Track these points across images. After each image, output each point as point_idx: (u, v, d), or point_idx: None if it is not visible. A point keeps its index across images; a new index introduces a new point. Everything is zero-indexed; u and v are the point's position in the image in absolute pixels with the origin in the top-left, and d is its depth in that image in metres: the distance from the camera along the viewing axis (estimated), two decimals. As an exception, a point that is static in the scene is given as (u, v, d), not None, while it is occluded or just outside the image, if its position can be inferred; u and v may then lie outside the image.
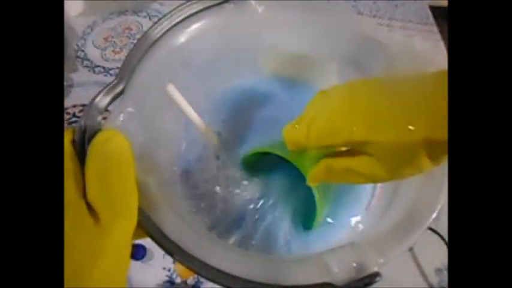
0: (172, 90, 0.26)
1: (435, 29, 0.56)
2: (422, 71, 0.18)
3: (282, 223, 0.31)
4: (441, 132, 0.16)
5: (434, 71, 0.18)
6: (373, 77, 0.21)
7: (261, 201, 0.32)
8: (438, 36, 0.55)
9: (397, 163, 0.18)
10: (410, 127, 0.17)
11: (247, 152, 0.31)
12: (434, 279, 0.35)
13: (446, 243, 0.35)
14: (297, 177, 0.27)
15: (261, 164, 0.33)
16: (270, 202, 0.32)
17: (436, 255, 0.35)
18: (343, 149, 0.23)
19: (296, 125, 0.22)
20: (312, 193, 0.26)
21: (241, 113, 0.35)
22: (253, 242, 0.30)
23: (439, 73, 0.17)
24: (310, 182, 0.24)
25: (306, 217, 0.31)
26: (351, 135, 0.19)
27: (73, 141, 0.21)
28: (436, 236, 0.35)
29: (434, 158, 0.17)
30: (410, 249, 0.36)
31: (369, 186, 0.32)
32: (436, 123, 0.16)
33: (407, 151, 0.17)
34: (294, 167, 0.26)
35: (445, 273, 0.35)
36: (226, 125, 0.34)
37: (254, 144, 0.32)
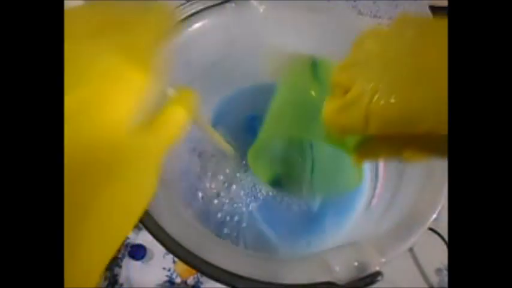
0: None
1: (435, 29, 0.56)
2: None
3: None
4: None
5: None
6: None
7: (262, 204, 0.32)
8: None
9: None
10: None
11: (255, 143, 0.29)
12: (434, 279, 0.35)
13: (446, 243, 0.35)
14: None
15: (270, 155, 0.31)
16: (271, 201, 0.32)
17: (436, 255, 0.35)
18: None
19: (346, 109, 0.16)
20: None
21: (242, 115, 0.35)
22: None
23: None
24: (357, 162, 0.19)
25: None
26: (434, 125, 0.14)
27: None
28: (436, 236, 0.35)
29: None
30: (410, 249, 0.36)
31: (369, 186, 0.32)
32: None
33: None
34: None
35: (445, 273, 0.35)
36: (228, 127, 0.34)
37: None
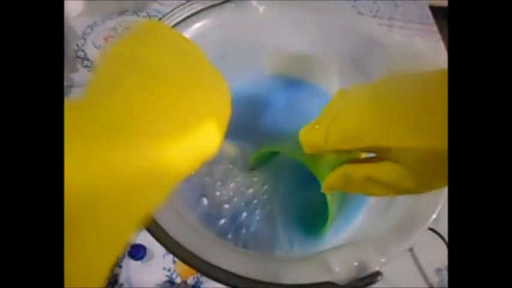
0: None
1: (435, 29, 0.56)
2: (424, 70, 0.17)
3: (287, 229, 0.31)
4: None
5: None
6: (395, 73, 0.19)
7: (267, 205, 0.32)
8: (438, 36, 0.55)
9: (429, 173, 0.16)
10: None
11: (256, 151, 0.30)
12: (434, 279, 0.35)
13: (446, 243, 0.35)
14: (305, 177, 0.26)
15: (267, 162, 0.32)
16: (276, 204, 0.32)
17: (436, 255, 0.35)
18: (365, 155, 0.21)
19: (316, 126, 0.20)
20: (319, 196, 0.25)
21: (242, 115, 0.35)
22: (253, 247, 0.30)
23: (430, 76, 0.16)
24: (325, 190, 0.22)
25: (313, 221, 0.30)
26: (376, 140, 0.17)
27: None
28: (436, 236, 0.35)
29: None
30: (410, 249, 0.36)
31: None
32: None
33: (443, 159, 0.15)
34: (302, 167, 0.25)
35: (445, 273, 0.35)
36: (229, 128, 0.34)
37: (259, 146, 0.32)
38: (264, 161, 0.32)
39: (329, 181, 0.21)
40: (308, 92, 0.35)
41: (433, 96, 0.16)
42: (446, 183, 0.16)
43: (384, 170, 0.17)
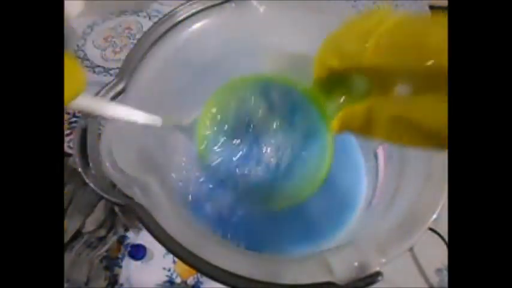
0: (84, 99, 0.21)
1: (435, 29, 0.56)
2: None
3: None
4: None
5: None
6: None
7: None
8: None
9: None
10: None
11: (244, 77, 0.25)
12: (434, 279, 0.35)
13: (446, 243, 0.35)
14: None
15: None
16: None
17: (436, 255, 0.35)
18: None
19: (351, 31, 0.15)
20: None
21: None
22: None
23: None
24: (336, 128, 0.17)
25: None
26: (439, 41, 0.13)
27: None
28: (436, 236, 0.35)
29: None
30: (411, 249, 0.36)
31: (369, 186, 0.32)
32: None
33: None
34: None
35: (445, 273, 0.35)
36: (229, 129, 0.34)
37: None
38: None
39: (346, 117, 0.17)
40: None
41: None
42: None
43: (420, 105, 0.14)
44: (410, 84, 0.14)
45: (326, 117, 0.19)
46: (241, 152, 0.28)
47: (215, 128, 0.27)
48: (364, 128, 0.16)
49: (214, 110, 0.26)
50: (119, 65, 0.26)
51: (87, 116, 0.23)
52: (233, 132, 0.26)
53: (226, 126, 0.27)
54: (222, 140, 0.27)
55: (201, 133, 0.26)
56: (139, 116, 0.23)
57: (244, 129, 0.27)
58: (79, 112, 0.45)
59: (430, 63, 0.13)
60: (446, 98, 0.13)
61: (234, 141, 0.27)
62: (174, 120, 0.27)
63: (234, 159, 0.27)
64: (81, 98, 0.20)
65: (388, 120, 0.15)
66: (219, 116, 0.26)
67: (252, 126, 0.27)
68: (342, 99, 0.18)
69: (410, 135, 0.15)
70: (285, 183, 0.27)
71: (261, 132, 0.27)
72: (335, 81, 0.18)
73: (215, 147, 0.27)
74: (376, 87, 0.16)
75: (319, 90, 0.19)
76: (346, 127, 0.17)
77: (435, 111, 0.14)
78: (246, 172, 0.27)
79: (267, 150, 0.27)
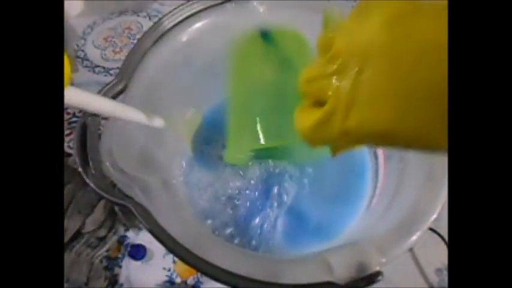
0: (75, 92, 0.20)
1: (435, 29, 0.56)
2: None
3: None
4: None
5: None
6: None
7: (262, 203, 0.32)
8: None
9: None
10: None
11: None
12: (434, 279, 0.35)
13: (446, 243, 0.35)
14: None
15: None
16: (271, 200, 0.32)
17: (436, 255, 0.35)
18: None
19: (321, 122, 0.15)
20: None
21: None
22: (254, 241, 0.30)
23: None
24: (335, 154, 0.17)
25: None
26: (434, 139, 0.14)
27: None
28: (436, 236, 0.35)
29: None
30: (411, 249, 0.36)
31: (369, 186, 0.32)
32: None
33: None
34: None
35: (445, 273, 0.35)
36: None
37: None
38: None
39: (336, 150, 0.17)
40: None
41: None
42: None
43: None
44: None
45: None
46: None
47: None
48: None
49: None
50: (119, 65, 0.26)
51: (93, 115, 0.23)
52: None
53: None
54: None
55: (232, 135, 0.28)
56: (142, 117, 0.24)
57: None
58: (79, 112, 0.45)
59: None
60: None
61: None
62: (173, 122, 0.27)
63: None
64: (89, 97, 0.20)
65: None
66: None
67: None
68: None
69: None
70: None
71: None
72: None
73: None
74: None
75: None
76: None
77: None
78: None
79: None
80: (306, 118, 0.16)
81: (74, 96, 0.20)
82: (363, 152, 0.35)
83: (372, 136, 0.14)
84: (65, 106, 0.18)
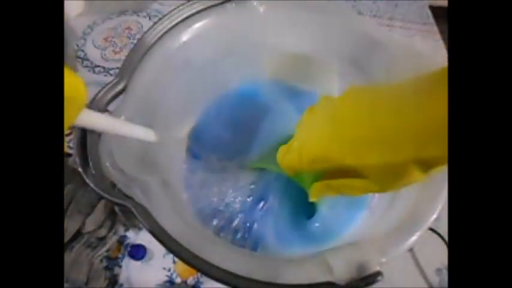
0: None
1: (435, 29, 0.56)
2: (415, 74, 0.18)
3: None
4: (431, 149, 0.16)
5: (416, 77, 0.18)
6: (359, 87, 0.21)
7: (261, 203, 0.32)
8: (438, 36, 0.55)
9: (388, 180, 0.19)
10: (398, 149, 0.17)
11: (247, 164, 0.32)
12: (434, 279, 0.35)
13: (446, 243, 0.35)
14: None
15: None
16: (270, 201, 0.32)
17: (436, 255, 0.35)
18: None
19: (288, 152, 0.23)
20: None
21: (242, 118, 0.35)
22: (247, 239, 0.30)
23: (429, 77, 0.17)
24: (312, 198, 0.24)
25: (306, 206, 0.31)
26: (341, 161, 0.20)
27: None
28: (436, 236, 0.35)
29: (425, 171, 0.17)
30: (411, 249, 0.36)
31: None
32: (424, 141, 0.16)
33: (397, 170, 0.17)
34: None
35: (445, 273, 0.35)
36: (228, 130, 0.34)
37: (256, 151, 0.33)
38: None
39: (313, 192, 0.24)
40: (307, 97, 0.35)
41: (384, 114, 0.18)
42: (407, 183, 0.18)
43: (353, 181, 0.20)
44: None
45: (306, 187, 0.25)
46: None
47: None
48: (326, 194, 0.23)
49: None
50: (119, 65, 0.26)
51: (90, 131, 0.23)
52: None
53: None
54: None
55: None
56: (138, 132, 0.25)
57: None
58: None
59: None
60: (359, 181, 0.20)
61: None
62: (169, 136, 0.28)
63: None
64: (84, 115, 0.20)
65: (338, 187, 0.22)
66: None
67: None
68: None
69: (352, 192, 0.21)
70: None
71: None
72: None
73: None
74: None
75: (296, 177, 0.26)
76: (316, 196, 0.24)
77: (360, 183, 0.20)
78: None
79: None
80: (281, 150, 0.25)
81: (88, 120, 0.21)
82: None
83: (314, 158, 0.22)
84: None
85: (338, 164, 0.20)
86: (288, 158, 0.24)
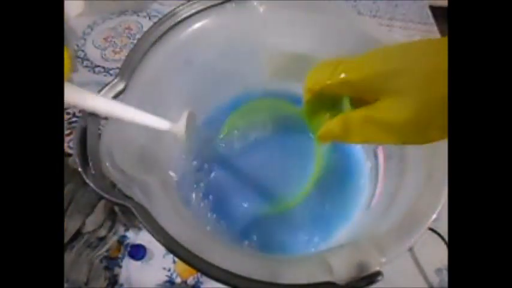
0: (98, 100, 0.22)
1: (435, 29, 0.56)
2: None
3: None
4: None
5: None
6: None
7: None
8: (438, 36, 0.55)
9: (427, 101, 0.16)
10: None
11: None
12: (434, 279, 0.35)
13: (446, 243, 0.35)
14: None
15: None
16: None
17: (436, 255, 0.35)
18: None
19: (324, 65, 0.20)
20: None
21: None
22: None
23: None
24: (321, 139, 0.22)
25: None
26: (383, 64, 0.17)
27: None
28: (436, 236, 0.35)
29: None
30: (410, 249, 0.36)
31: (369, 186, 0.32)
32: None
33: (440, 86, 0.15)
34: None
35: (445, 273, 0.35)
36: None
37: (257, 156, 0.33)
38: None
39: (327, 128, 0.21)
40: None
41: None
42: (445, 136, 0.16)
43: (383, 106, 0.17)
44: (373, 94, 0.18)
45: (315, 131, 0.23)
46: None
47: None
48: (343, 135, 0.20)
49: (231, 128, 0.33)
50: (119, 65, 0.26)
51: (93, 115, 0.23)
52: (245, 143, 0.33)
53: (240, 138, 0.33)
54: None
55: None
56: (152, 120, 0.25)
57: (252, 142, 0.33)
58: (80, 112, 0.45)
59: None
60: (405, 98, 0.17)
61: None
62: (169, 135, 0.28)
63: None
64: (101, 102, 0.20)
65: (361, 124, 0.19)
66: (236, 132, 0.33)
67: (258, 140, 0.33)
68: (327, 116, 0.23)
69: (379, 134, 0.18)
70: (281, 186, 0.32)
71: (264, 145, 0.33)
72: (319, 102, 0.23)
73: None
74: (352, 101, 0.21)
75: (309, 110, 0.24)
76: (328, 137, 0.21)
77: (397, 109, 0.17)
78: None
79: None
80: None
81: (75, 95, 0.20)
82: (362, 152, 0.35)
83: (354, 68, 0.19)
84: (77, 112, 0.19)
85: (380, 68, 0.17)
86: (321, 69, 0.20)
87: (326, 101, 0.22)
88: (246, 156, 0.33)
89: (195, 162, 0.34)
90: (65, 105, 0.43)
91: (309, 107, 0.23)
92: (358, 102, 0.20)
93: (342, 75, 0.19)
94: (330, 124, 0.20)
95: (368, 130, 0.18)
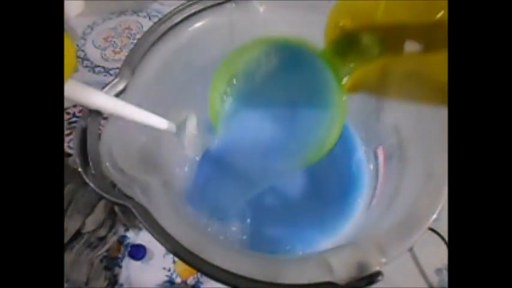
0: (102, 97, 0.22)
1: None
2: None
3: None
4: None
5: None
6: None
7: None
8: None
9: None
10: None
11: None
12: (434, 279, 0.35)
13: (446, 243, 0.35)
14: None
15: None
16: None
17: (436, 255, 0.35)
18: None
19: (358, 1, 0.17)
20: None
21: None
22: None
23: None
24: (352, 88, 0.18)
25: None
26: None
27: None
28: (436, 236, 0.35)
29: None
30: (410, 249, 0.36)
31: (369, 186, 0.32)
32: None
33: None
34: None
35: (445, 273, 0.35)
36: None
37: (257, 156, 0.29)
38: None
39: (360, 77, 0.18)
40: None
41: None
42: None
43: (434, 60, 0.15)
44: (420, 40, 0.15)
45: (338, 78, 0.19)
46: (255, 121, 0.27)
47: (228, 92, 0.27)
48: (379, 86, 0.17)
49: (227, 75, 0.26)
50: (119, 65, 0.26)
51: (93, 115, 0.23)
52: (246, 97, 0.26)
53: (239, 89, 0.27)
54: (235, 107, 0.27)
55: (213, 100, 0.27)
56: (151, 119, 0.25)
57: (257, 92, 0.27)
58: (80, 112, 0.45)
59: (439, 15, 0.14)
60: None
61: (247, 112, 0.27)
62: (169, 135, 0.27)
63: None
64: (103, 100, 0.20)
65: (401, 77, 0.16)
66: (234, 80, 0.27)
67: (264, 88, 0.26)
68: (354, 62, 0.18)
69: (420, 90, 0.16)
70: (297, 142, 0.26)
71: (274, 94, 0.26)
72: (347, 43, 0.18)
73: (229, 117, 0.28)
74: (389, 46, 0.17)
75: (332, 52, 0.19)
76: (360, 86, 0.18)
77: (443, 64, 0.14)
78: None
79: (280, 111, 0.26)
80: None
81: (79, 92, 0.20)
82: (363, 152, 0.35)
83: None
84: (76, 112, 0.19)
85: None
86: (354, 5, 0.18)
87: (355, 41, 0.18)
88: (253, 111, 0.28)
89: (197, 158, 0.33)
90: (69, 103, 0.43)
91: (335, 47, 0.19)
92: (395, 42, 0.16)
93: (389, 13, 0.15)
94: (365, 72, 0.17)
95: (409, 86, 0.16)
